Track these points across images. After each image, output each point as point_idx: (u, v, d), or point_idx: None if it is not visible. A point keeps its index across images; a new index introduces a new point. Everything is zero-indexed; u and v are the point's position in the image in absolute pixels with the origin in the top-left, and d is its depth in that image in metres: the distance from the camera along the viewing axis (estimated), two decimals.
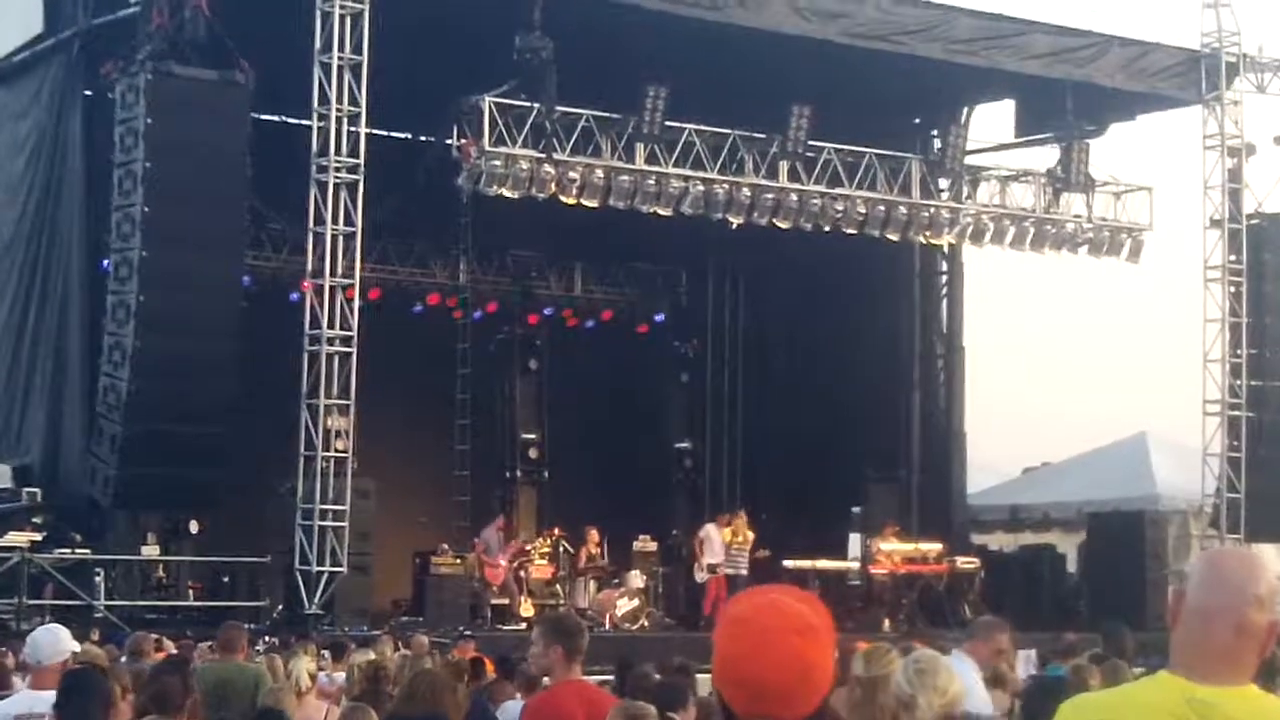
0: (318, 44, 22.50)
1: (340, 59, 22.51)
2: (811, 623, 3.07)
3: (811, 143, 26.43)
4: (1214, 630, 3.31)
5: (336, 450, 22.60)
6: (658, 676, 10.08)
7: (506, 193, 24.58)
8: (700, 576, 26.67)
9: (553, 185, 24.78)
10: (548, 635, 7.28)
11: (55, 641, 8.29)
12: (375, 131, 23.73)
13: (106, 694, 6.99)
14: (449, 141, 24.86)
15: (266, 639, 19.12)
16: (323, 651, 14.84)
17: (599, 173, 25.11)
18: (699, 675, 14.91)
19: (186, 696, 7.69)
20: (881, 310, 31.06)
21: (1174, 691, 3.33)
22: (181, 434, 21.65)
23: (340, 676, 12.76)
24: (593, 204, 25.32)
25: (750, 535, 26.71)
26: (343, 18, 22.45)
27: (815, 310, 30.53)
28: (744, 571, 25.96)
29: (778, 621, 3.03)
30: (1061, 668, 12.69)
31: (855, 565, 28.23)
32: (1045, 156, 29.28)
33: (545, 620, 8.87)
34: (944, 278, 31.47)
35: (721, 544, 26.51)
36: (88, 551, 22.65)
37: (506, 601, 26.29)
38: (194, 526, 23.71)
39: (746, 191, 26.31)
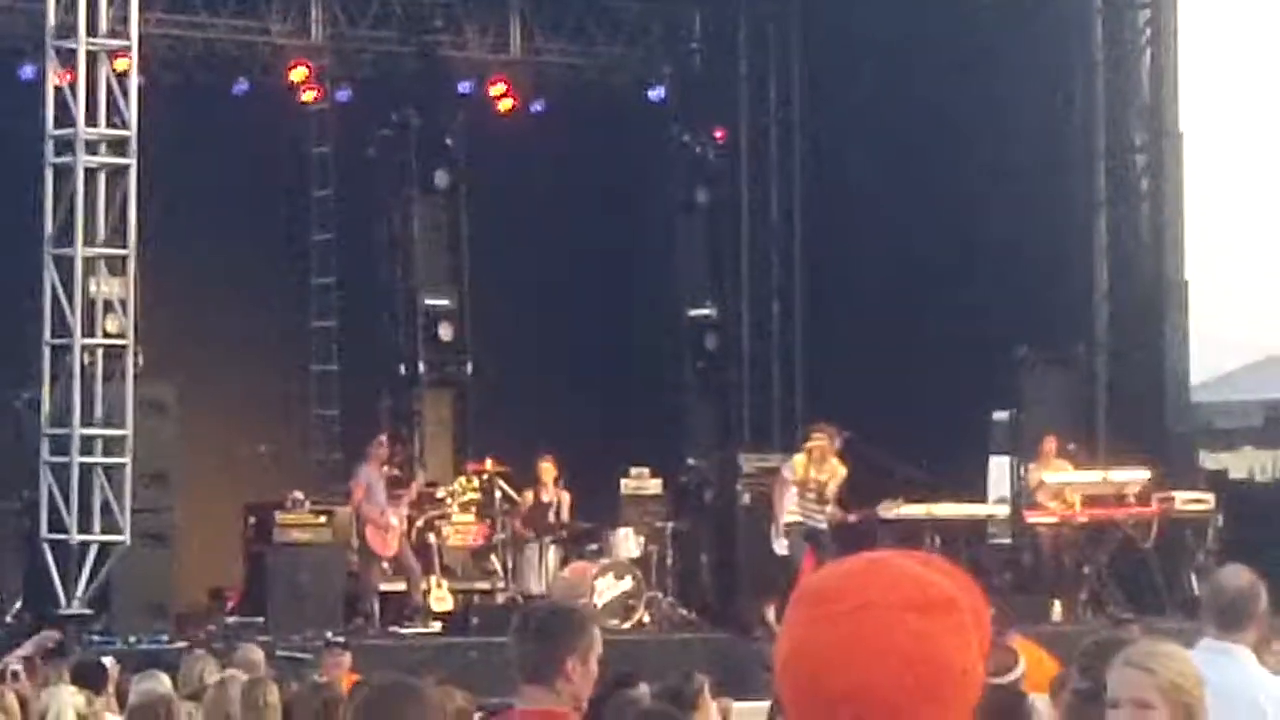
0: None
1: None
2: (941, 594, 3.14)
3: None
4: None
5: (107, 334, 22.83)
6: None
7: None
8: (780, 547, 26.73)
9: None
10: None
11: None
12: None
13: None
14: None
15: None
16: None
17: None
18: (740, 704, 14.72)
19: None
20: (1037, 80, 31.07)
21: None
22: None
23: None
24: None
25: (836, 467, 26.82)
26: None
27: (920, 84, 30.57)
28: (821, 524, 26.21)
29: (884, 594, 3.10)
30: None
31: (1001, 511, 28.44)
32: None
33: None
34: (1145, 21, 31.11)
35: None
36: None
37: (404, 586, 26.59)
38: None
39: None
